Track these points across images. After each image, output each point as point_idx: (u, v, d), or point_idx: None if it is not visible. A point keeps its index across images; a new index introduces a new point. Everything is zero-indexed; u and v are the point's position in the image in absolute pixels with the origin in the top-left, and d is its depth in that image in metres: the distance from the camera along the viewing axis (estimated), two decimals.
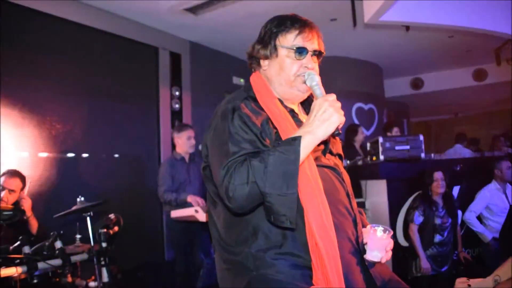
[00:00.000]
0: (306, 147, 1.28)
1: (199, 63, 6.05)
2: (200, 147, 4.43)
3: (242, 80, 6.69)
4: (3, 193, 3.09)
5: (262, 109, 1.41)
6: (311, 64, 1.47)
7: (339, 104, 1.33)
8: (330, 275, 1.24)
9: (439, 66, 8.56)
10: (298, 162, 1.25)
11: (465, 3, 4.87)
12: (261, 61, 1.52)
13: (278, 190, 1.22)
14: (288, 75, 1.46)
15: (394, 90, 9.14)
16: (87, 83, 4.57)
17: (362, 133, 5.51)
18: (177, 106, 5.63)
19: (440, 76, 8.94)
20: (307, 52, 1.46)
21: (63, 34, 4.39)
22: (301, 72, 1.46)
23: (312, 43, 1.47)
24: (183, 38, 5.84)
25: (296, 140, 1.27)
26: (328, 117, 1.30)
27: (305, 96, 1.53)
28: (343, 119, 1.33)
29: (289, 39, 1.46)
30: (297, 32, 1.45)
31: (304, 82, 1.46)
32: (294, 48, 1.45)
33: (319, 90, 1.41)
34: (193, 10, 4.91)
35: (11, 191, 3.13)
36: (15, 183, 3.17)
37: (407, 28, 5.24)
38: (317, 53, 1.49)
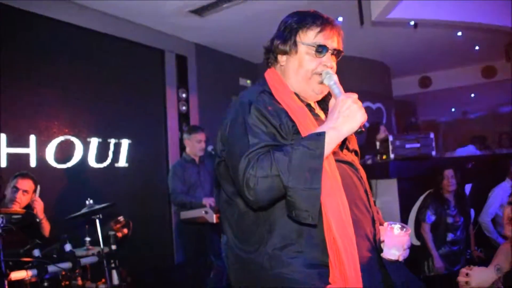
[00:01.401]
0: (330, 143, 1.26)
1: (205, 65, 6.04)
2: (209, 148, 4.44)
3: (249, 82, 6.67)
4: (17, 194, 3.11)
5: (278, 103, 1.39)
6: (330, 62, 1.45)
7: (360, 103, 1.32)
8: (348, 273, 1.21)
9: (447, 64, 8.48)
10: (323, 157, 1.23)
11: None
12: (279, 56, 1.50)
13: (302, 185, 1.19)
14: (306, 72, 1.45)
15: (402, 89, 9.07)
16: (93, 87, 4.56)
17: (384, 132, 5.46)
18: (184, 108, 5.62)
19: (448, 74, 8.85)
20: (327, 50, 1.44)
21: (68, 38, 4.39)
22: (320, 70, 1.43)
23: (333, 42, 1.46)
24: (189, 40, 5.83)
25: (321, 135, 1.24)
26: (353, 114, 1.29)
27: (319, 97, 1.51)
28: (365, 117, 1.31)
29: (310, 36, 1.44)
30: (318, 29, 1.44)
31: (321, 83, 1.44)
32: (315, 45, 1.43)
33: (337, 89, 1.39)
34: (199, 11, 4.89)
35: (24, 192, 3.15)
36: (28, 184, 3.19)
37: (415, 25, 5.20)
38: (337, 52, 1.48)
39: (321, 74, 1.43)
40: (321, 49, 1.43)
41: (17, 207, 3.09)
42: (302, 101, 1.46)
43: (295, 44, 1.45)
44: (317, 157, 1.21)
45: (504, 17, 5.08)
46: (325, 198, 1.25)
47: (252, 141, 1.26)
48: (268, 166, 1.20)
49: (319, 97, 1.51)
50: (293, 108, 1.37)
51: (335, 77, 1.41)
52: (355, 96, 1.33)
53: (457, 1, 4.75)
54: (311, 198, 1.20)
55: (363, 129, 1.32)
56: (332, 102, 1.39)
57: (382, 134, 5.39)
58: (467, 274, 1.98)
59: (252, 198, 1.22)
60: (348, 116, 1.28)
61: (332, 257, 1.24)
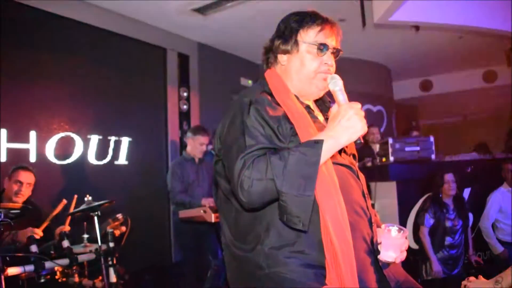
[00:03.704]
0: (328, 151, 1.27)
1: (207, 64, 6.04)
2: (209, 147, 4.43)
3: (250, 82, 6.67)
4: (22, 187, 3.13)
5: (278, 104, 1.39)
6: (331, 61, 1.46)
7: (363, 113, 1.31)
8: (344, 275, 1.21)
9: (449, 67, 8.48)
10: (318, 165, 1.23)
11: (475, 2, 4.82)
12: (280, 56, 1.50)
13: (295, 191, 1.20)
14: (308, 71, 1.45)
15: (403, 91, 9.07)
16: (95, 84, 4.57)
17: (373, 133, 5.43)
18: (185, 107, 5.62)
19: (449, 77, 8.85)
20: (328, 49, 1.45)
21: (70, 34, 4.39)
22: (322, 69, 1.44)
23: (332, 40, 1.47)
24: (191, 39, 5.83)
25: (319, 143, 1.25)
26: (353, 125, 1.29)
27: (321, 94, 1.52)
28: (366, 128, 1.31)
29: (311, 35, 1.45)
30: (319, 28, 1.45)
31: (325, 79, 1.45)
32: (317, 44, 1.43)
33: (342, 95, 1.39)
34: (202, 10, 4.90)
35: (28, 184, 3.16)
36: (30, 177, 3.20)
37: (417, 28, 5.20)
38: (336, 51, 1.48)
39: (323, 72, 1.44)
40: (322, 47, 1.43)
41: (20, 200, 3.11)
42: (301, 102, 1.46)
43: (296, 43, 1.46)
44: (312, 164, 1.22)
45: (505, 22, 5.09)
46: (323, 200, 1.25)
47: (249, 142, 1.27)
48: (263, 169, 1.21)
49: (321, 94, 1.52)
50: (293, 110, 1.37)
51: (341, 83, 1.41)
52: (358, 105, 1.33)
53: (459, 5, 4.75)
54: (303, 204, 1.20)
55: (362, 141, 1.33)
56: (334, 108, 1.40)
57: (371, 135, 5.37)
58: (465, 286, 1.99)
59: (245, 200, 1.23)
60: (348, 127, 1.28)
61: (329, 258, 1.24)
